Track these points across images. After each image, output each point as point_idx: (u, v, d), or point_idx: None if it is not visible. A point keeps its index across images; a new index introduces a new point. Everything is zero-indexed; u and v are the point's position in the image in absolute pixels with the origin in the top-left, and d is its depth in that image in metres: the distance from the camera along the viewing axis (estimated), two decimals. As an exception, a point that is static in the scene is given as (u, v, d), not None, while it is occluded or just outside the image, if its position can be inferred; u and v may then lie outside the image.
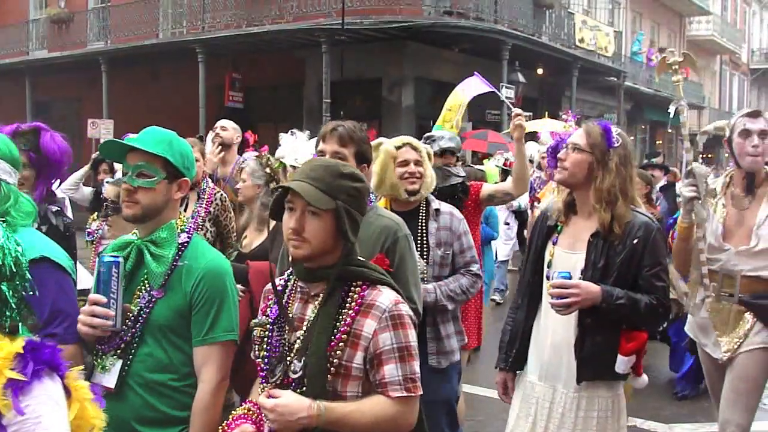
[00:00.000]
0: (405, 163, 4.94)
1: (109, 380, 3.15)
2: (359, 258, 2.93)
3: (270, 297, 3.00)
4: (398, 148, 4.97)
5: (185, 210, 5.78)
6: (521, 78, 24.01)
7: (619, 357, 3.81)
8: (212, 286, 3.22)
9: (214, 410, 3.18)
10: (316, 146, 4.04)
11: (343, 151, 3.87)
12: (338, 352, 2.72)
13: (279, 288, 3.00)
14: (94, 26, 28.61)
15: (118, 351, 3.18)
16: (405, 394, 2.73)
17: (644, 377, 4.04)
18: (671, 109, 4.88)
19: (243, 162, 5.94)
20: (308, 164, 2.93)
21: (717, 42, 47.37)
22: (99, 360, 3.20)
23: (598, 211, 3.84)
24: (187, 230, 3.33)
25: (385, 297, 2.79)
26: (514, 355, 4.13)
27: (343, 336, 2.73)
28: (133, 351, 3.19)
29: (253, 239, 5.57)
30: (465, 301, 5.15)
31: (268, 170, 5.65)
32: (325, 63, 21.11)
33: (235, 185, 6.07)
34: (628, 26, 38.10)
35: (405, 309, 2.81)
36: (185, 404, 3.19)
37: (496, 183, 11.22)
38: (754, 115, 4.80)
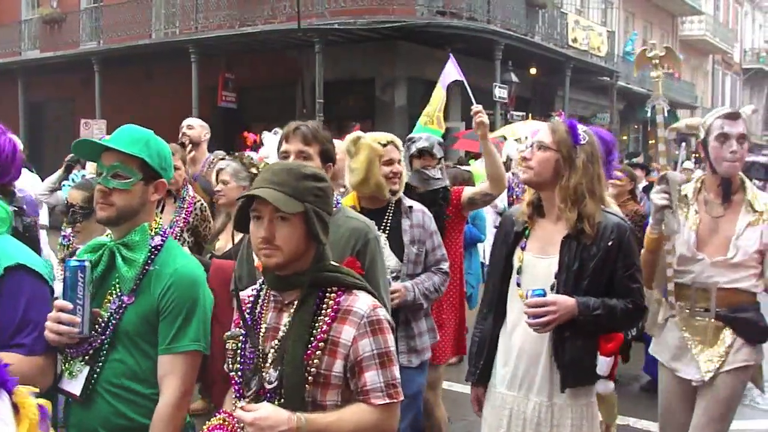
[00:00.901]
0: (390, 162, 4.88)
1: (75, 387, 3.06)
2: (332, 263, 2.85)
3: (243, 307, 2.91)
4: (383, 146, 4.86)
5: (162, 213, 5.63)
6: (514, 78, 24.05)
7: (600, 358, 3.74)
8: (181, 292, 3.08)
9: (174, 424, 3.04)
10: (279, 147, 3.95)
11: (308, 150, 3.80)
12: (315, 360, 2.65)
13: (251, 298, 2.94)
14: (87, 26, 28.52)
15: (86, 357, 3.06)
16: (387, 400, 2.68)
17: (611, 383, 3.93)
18: (648, 107, 4.59)
19: (213, 160, 5.78)
20: (268, 170, 2.82)
21: (709, 42, 47.50)
22: (67, 365, 3.10)
23: (564, 211, 3.71)
24: (161, 233, 3.21)
25: (362, 302, 2.73)
26: (482, 367, 3.98)
27: (320, 344, 2.66)
28: (102, 357, 3.07)
29: (228, 242, 5.40)
30: (437, 299, 5.09)
31: (254, 170, 5.47)
32: (318, 63, 21.11)
33: (205, 183, 5.94)
34: (620, 26, 38.19)
35: (383, 314, 2.75)
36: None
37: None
38: (733, 117, 4.44)
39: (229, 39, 23.21)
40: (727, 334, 4.43)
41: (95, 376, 3.06)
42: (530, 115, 22.92)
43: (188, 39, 23.74)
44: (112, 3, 26.99)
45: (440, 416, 5.69)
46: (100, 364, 3.06)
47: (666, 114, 4.62)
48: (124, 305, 3.07)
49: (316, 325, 2.69)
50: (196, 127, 7.67)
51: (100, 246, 3.18)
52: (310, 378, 2.65)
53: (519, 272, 3.87)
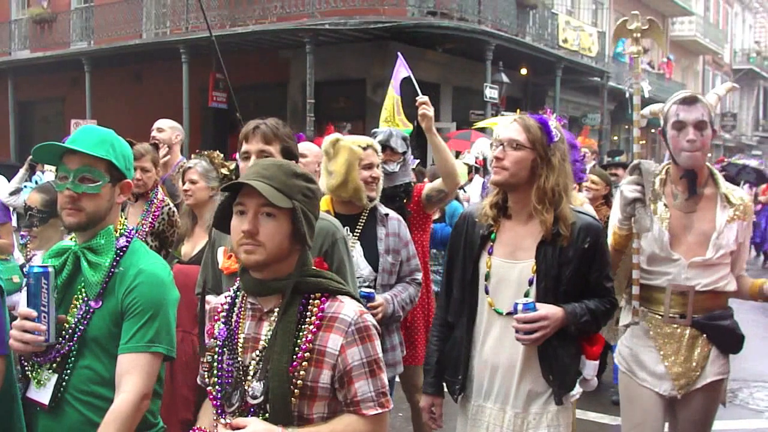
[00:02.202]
0: (370, 166, 4.67)
1: (44, 396, 2.97)
2: (315, 267, 2.74)
3: (217, 317, 2.75)
4: (363, 149, 4.66)
5: (125, 215, 5.32)
6: (505, 78, 24.04)
7: (589, 363, 3.66)
8: (146, 294, 2.99)
9: (129, 424, 2.87)
10: (239, 149, 3.76)
11: (269, 149, 3.62)
12: (302, 372, 2.51)
13: (225, 306, 2.76)
14: (77, 26, 28.45)
15: (54, 365, 2.97)
16: (379, 410, 2.58)
17: (594, 380, 3.80)
18: (625, 87, 4.35)
19: (184, 163, 5.52)
20: (258, 164, 2.70)
21: (700, 42, 47.58)
22: (35, 374, 3.00)
23: (541, 213, 3.53)
24: (126, 234, 3.13)
25: (348, 309, 2.59)
26: (460, 382, 3.73)
27: (305, 354, 2.52)
28: (70, 365, 2.97)
29: (196, 245, 5.19)
30: (410, 310, 4.94)
31: (225, 171, 5.26)
32: (308, 63, 21.10)
33: (171, 186, 5.71)
34: (611, 27, 38.16)
35: (370, 320, 2.62)
36: None
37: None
38: (689, 101, 4.03)
39: (219, 39, 23.17)
40: (702, 344, 4.12)
41: (64, 383, 2.97)
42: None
43: (179, 39, 23.70)
44: (103, 3, 26.96)
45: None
46: (69, 371, 2.97)
47: (645, 94, 4.31)
48: (91, 310, 2.99)
49: (301, 334, 2.55)
50: (166, 129, 7.24)
51: (64, 251, 3.09)
52: (296, 391, 2.51)
53: (487, 278, 3.66)
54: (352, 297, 2.68)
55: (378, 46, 22.53)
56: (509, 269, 3.61)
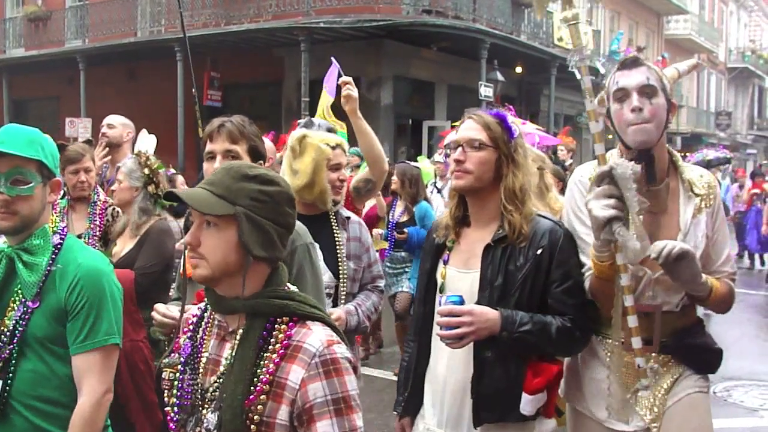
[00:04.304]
0: (338, 167, 4.30)
1: None
2: (288, 287, 2.45)
3: (186, 330, 2.53)
4: (332, 148, 4.27)
5: (69, 221, 5.27)
6: (500, 76, 24.03)
7: (524, 396, 3.11)
8: (90, 288, 2.94)
9: (95, 426, 2.90)
10: (203, 149, 3.52)
11: (235, 149, 3.38)
12: (259, 406, 2.23)
13: (194, 318, 2.55)
14: (72, 24, 28.41)
15: None
16: None
17: (552, 421, 3.33)
18: (570, 64, 3.21)
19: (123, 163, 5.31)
20: (216, 169, 2.50)
21: (695, 41, 47.61)
22: None
23: (510, 213, 3.21)
24: (59, 231, 3.07)
25: (314, 337, 2.28)
26: (407, 398, 3.46)
27: (264, 387, 2.23)
28: (12, 369, 2.90)
29: (124, 247, 5.01)
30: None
31: (146, 171, 5.07)
32: (303, 61, 21.08)
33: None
34: (606, 25, 38.25)
35: (340, 351, 2.28)
36: None
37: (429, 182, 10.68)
38: (630, 64, 3.28)
39: (214, 37, 23.16)
40: (673, 368, 3.33)
41: (8, 388, 2.90)
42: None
43: (173, 37, 23.67)
44: (97, 1, 26.95)
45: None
46: (11, 375, 2.91)
47: (600, 76, 3.47)
48: (29, 310, 2.92)
49: (262, 363, 2.27)
50: (117, 126, 6.76)
51: None
52: (252, 426, 2.23)
53: (441, 290, 3.34)
54: (326, 323, 2.38)
55: (373, 45, 22.53)
56: (462, 279, 3.30)
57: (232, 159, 3.32)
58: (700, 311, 3.56)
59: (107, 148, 6.55)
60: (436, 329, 3.27)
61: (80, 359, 2.92)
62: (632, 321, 3.06)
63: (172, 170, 7.98)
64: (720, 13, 56.63)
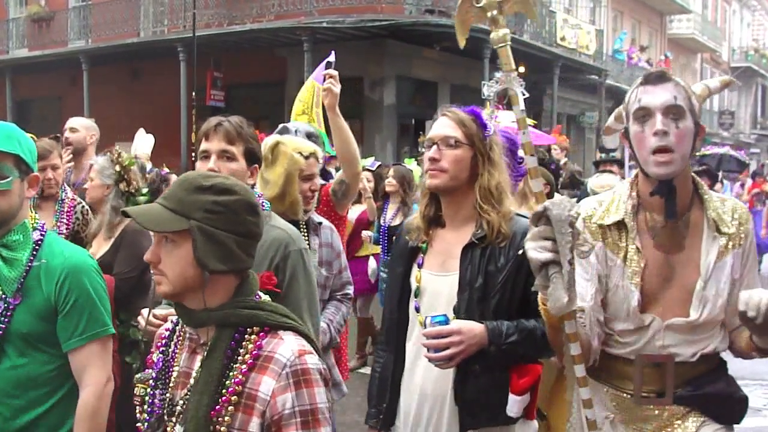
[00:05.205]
0: (310, 177, 4.21)
1: None
2: (259, 296, 2.38)
3: (159, 344, 2.49)
4: (306, 158, 4.15)
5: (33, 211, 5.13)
6: (503, 76, 24.04)
7: (511, 397, 3.02)
8: (78, 283, 2.93)
9: (100, 416, 2.91)
10: (197, 147, 3.41)
11: (231, 150, 3.26)
12: (226, 417, 2.17)
13: (167, 332, 2.50)
14: (75, 25, 28.47)
15: None
16: None
17: (534, 423, 3.23)
18: (487, 92, 2.99)
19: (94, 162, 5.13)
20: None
21: (698, 40, 47.55)
22: None
23: (487, 213, 3.08)
24: (39, 227, 3.03)
25: (286, 347, 2.22)
26: (385, 410, 3.29)
27: (232, 397, 2.18)
28: None
29: (99, 249, 4.83)
30: None
31: (117, 168, 4.89)
32: (306, 61, 21.09)
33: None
34: (609, 24, 38.22)
35: (312, 361, 2.23)
36: (60, 422, 2.93)
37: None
38: (655, 80, 2.83)
39: (217, 37, 23.18)
40: (692, 420, 2.94)
41: None
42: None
43: (176, 38, 23.69)
44: (101, 1, 27.01)
45: None
46: None
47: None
48: (11, 307, 2.87)
49: (231, 374, 2.21)
50: (80, 129, 6.55)
51: None
52: None
53: (417, 295, 3.21)
54: (299, 333, 2.32)
55: (376, 45, 22.54)
56: (440, 282, 3.17)
57: (227, 160, 3.25)
58: None
59: (71, 153, 6.31)
60: (415, 340, 3.20)
61: (80, 352, 2.93)
62: (583, 393, 2.76)
63: (167, 170, 7.92)
64: (723, 13, 56.57)
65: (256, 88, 25.32)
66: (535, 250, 2.47)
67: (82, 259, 3.04)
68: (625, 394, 2.95)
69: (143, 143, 10.61)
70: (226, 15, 23.32)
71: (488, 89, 2.92)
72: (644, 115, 2.79)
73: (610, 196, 3.03)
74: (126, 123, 12.66)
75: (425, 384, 3.15)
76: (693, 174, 2.97)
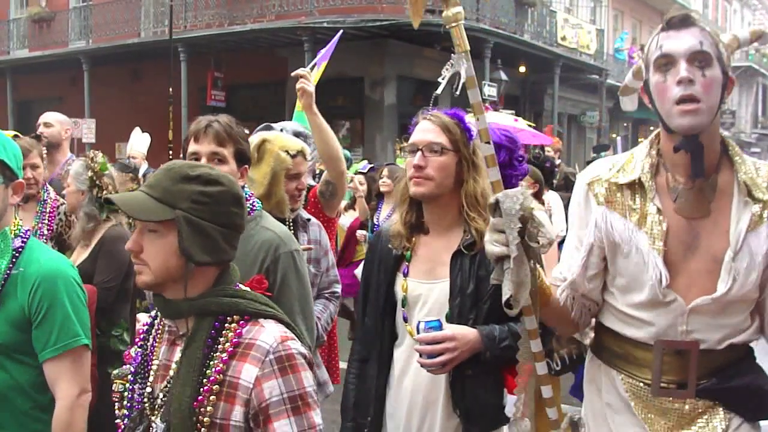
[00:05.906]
0: (297, 176, 4.10)
1: None
2: (238, 286, 2.34)
3: (137, 341, 2.45)
4: (292, 156, 4.04)
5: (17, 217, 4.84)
6: (503, 76, 24.06)
7: (509, 397, 2.94)
8: (51, 291, 2.82)
9: (75, 429, 2.82)
10: (185, 149, 3.29)
11: (222, 152, 3.15)
12: (209, 407, 2.14)
13: (145, 326, 2.45)
14: (76, 25, 28.49)
15: None
16: None
17: (527, 421, 2.85)
18: (444, 74, 2.76)
19: (72, 162, 5.00)
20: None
21: (698, 39, 47.61)
22: None
23: (474, 220, 3.00)
24: (22, 234, 2.94)
25: (267, 334, 2.20)
26: (370, 423, 3.18)
27: (214, 387, 2.14)
28: None
29: (78, 257, 4.65)
30: None
31: (90, 173, 4.67)
32: (307, 61, 21.09)
33: (61, 187, 5.18)
34: (609, 24, 38.22)
35: (295, 347, 2.21)
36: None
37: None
38: (678, 23, 2.52)
39: (218, 38, 23.19)
40: (718, 417, 2.56)
41: None
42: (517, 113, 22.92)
43: (177, 38, 23.70)
44: (101, 2, 27.01)
45: None
46: None
47: (463, 75, 2.69)
48: None
49: (211, 363, 2.18)
50: (54, 124, 6.35)
51: None
52: (203, 429, 2.15)
53: (404, 304, 3.12)
54: (280, 321, 2.29)
55: (376, 45, 22.54)
56: (428, 290, 3.08)
57: (218, 162, 3.12)
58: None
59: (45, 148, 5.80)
60: (404, 350, 3.13)
61: (51, 365, 2.83)
62: (534, 345, 2.57)
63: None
64: (723, 12, 56.59)
65: (257, 88, 25.34)
66: (490, 243, 2.37)
67: (58, 267, 2.93)
68: (642, 383, 2.61)
69: (139, 142, 10.60)
70: (227, 15, 23.33)
71: (442, 76, 2.69)
72: (667, 63, 2.46)
73: (626, 156, 2.71)
74: (127, 123, 12.62)
75: (415, 392, 3.07)
76: (723, 133, 2.62)
